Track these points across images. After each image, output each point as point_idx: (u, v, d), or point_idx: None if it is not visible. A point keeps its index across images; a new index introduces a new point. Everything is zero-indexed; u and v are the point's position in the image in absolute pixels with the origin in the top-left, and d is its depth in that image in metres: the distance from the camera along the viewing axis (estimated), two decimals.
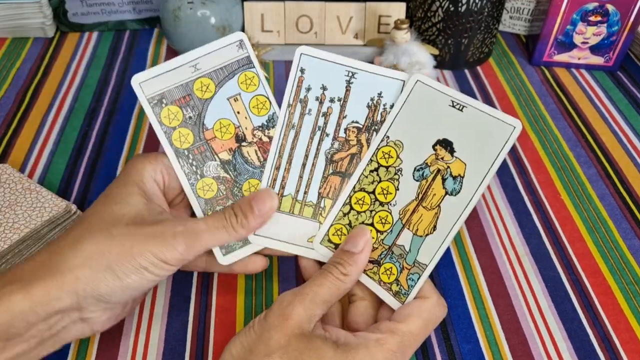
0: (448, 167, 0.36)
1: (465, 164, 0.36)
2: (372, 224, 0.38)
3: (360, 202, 0.38)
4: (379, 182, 0.38)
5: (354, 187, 0.38)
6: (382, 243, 0.37)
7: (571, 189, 0.52)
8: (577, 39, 0.64)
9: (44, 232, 0.43)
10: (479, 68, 0.68)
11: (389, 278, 0.36)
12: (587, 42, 0.65)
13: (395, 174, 0.37)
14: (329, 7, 0.65)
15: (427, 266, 0.36)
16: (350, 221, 0.38)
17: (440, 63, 0.66)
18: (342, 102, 0.39)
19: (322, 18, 0.65)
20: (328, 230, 0.38)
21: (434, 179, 0.36)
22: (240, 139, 0.39)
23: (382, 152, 0.38)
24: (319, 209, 0.39)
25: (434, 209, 0.36)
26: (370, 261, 0.37)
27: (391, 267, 0.37)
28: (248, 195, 0.38)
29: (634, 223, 0.49)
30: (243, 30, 0.67)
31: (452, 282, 0.44)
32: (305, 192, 0.39)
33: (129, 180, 0.36)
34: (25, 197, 0.45)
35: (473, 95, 0.63)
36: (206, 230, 0.34)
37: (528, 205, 0.50)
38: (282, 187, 0.39)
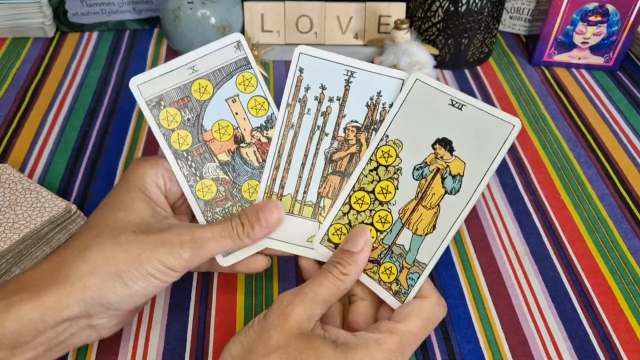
0: (447, 166, 0.36)
1: (465, 163, 0.36)
2: (371, 224, 0.37)
3: (360, 201, 0.38)
4: (378, 182, 0.38)
5: (354, 187, 0.38)
6: (382, 242, 0.37)
7: (571, 189, 0.52)
8: (577, 39, 0.64)
9: (44, 232, 0.43)
10: (479, 68, 0.68)
11: (388, 277, 0.36)
12: (587, 42, 0.65)
13: (395, 173, 0.37)
14: (329, 7, 0.65)
15: (426, 265, 0.36)
16: (349, 221, 0.38)
17: (440, 63, 0.66)
18: (341, 101, 0.39)
19: (322, 18, 0.65)
20: (328, 230, 0.38)
21: (433, 178, 0.36)
22: (239, 140, 0.39)
23: (382, 151, 0.38)
24: (319, 209, 0.39)
25: (433, 208, 0.36)
26: (370, 260, 0.37)
27: (391, 267, 0.36)
28: (256, 204, 0.38)
29: (634, 223, 0.49)
30: (243, 30, 0.67)
31: (452, 282, 0.44)
32: (304, 192, 0.39)
33: (132, 185, 0.36)
34: (25, 197, 0.45)
35: (473, 96, 0.63)
36: (212, 239, 0.35)
37: (528, 205, 0.50)
38: (282, 186, 0.39)
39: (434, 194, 0.36)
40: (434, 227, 0.36)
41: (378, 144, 0.38)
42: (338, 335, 0.33)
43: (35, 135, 0.56)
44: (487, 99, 0.63)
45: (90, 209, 0.49)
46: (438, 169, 0.36)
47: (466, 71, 0.67)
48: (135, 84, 0.37)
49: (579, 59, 0.66)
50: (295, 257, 0.40)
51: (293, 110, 0.39)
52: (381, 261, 0.37)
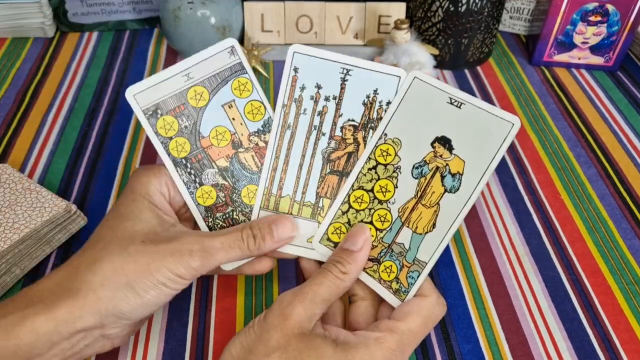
0: (447, 164, 0.36)
1: (464, 161, 0.35)
2: (371, 222, 0.37)
3: (359, 200, 0.38)
4: (377, 180, 0.38)
5: (353, 186, 0.38)
6: (382, 241, 0.37)
7: (571, 189, 0.52)
8: (577, 39, 0.64)
9: (44, 232, 0.43)
10: (479, 68, 0.67)
11: (388, 276, 0.36)
12: (587, 42, 0.65)
13: (394, 171, 0.37)
14: (329, 7, 0.65)
15: (426, 264, 0.36)
16: (349, 219, 0.38)
17: (440, 63, 0.66)
18: (337, 100, 0.39)
19: (322, 18, 0.65)
20: (327, 229, 0.38)
21: (432, 176, 0.36)
22: (236, 145, 0.39)
23: (380, 149, 0.38)
24: (318, 209, 0.39)
25: (433, 206, 0.36)
26: (369, 259, 0.37)
27: (391, 265, 0.36)
28: (268, 217, 0.38)
29: (634, 223, 0.49)
30: (243, 30, 0.67)
31: (452, 282, 0.44)
32: (303, 193, 0.39)
33: (137, 195, 0.36)
34: (25, 197, 0.45)
35: (473, 96, 0.63)
36: (221, 249, 0.35)
37: (528, 205, 0.50)
38: (280, 188, 0.39)
39: (434, 192, 0.36)
40: (433, 225, 0.36)
41: (377, 143, 0.38)
42: (338, 334, 0.33)
43: (35, 135, 0.56)
44: (487, 99, 0.63)
45: (90, 209, 0.49)
46: (437, 168, 0.36)
47: (466, 71, 0.67)
48: (132, 93, 0.37)
49: (579, 59, 0.66)
50: (296, 258, 0.40)
51: (289, 110, 0.39)
52: (381, 260, 0.37)
